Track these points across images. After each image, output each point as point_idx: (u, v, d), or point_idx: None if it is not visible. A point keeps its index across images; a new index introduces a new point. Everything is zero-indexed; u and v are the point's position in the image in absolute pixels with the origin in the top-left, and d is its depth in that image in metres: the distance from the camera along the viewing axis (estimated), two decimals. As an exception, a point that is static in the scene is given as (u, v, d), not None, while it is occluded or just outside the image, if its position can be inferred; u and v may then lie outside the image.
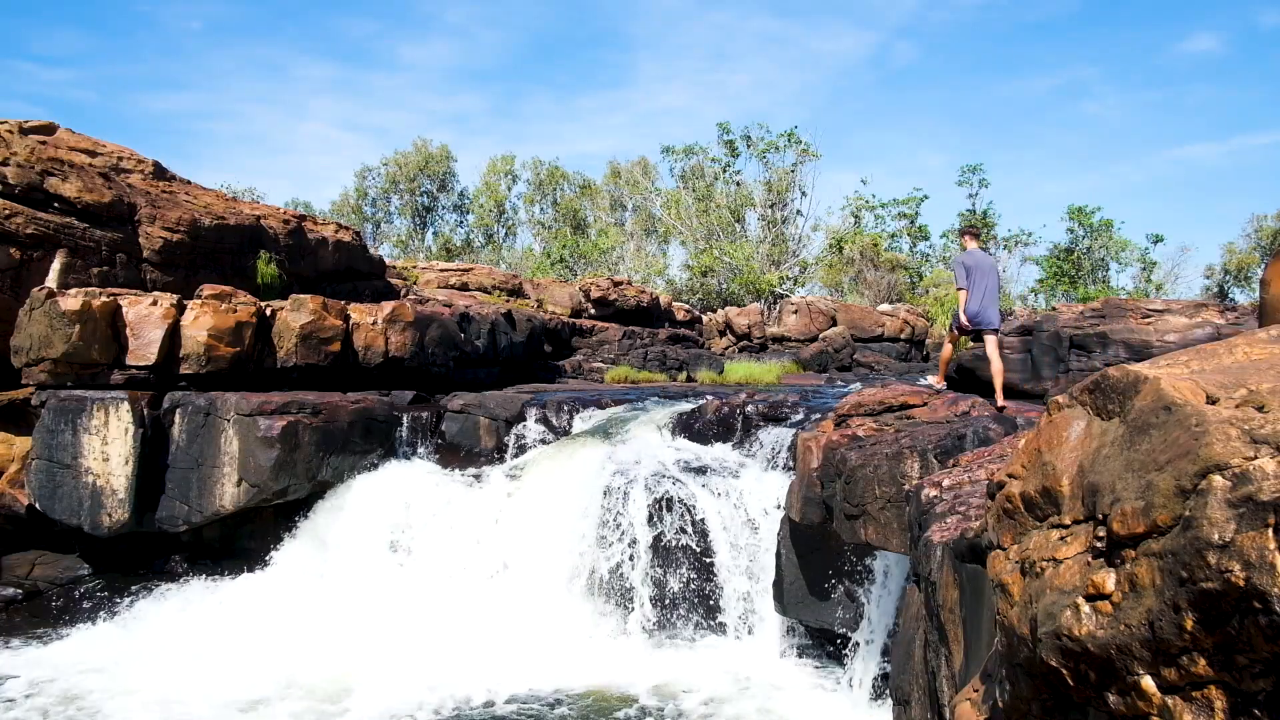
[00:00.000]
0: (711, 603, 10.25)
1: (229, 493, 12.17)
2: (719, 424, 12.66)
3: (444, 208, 50.77)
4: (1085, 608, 2.41)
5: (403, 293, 21.50)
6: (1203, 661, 2.13)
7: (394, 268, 24.39)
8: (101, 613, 11.69)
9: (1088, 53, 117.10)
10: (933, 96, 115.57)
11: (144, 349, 12.52)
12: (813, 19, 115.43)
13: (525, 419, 13.89)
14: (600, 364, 22.08)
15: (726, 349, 28.64)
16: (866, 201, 43.45)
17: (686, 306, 31.00)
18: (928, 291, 34.52)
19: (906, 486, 7.14)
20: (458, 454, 13.65)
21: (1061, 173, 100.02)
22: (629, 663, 9.52)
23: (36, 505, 12.19)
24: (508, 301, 23.43)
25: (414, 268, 25.90)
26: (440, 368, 16.15)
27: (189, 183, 17.74)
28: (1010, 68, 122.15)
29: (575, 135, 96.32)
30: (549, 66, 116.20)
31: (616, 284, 27.21)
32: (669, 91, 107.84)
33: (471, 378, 16.79)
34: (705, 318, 30.90)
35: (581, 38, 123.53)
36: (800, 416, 12.20)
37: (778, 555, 9.50)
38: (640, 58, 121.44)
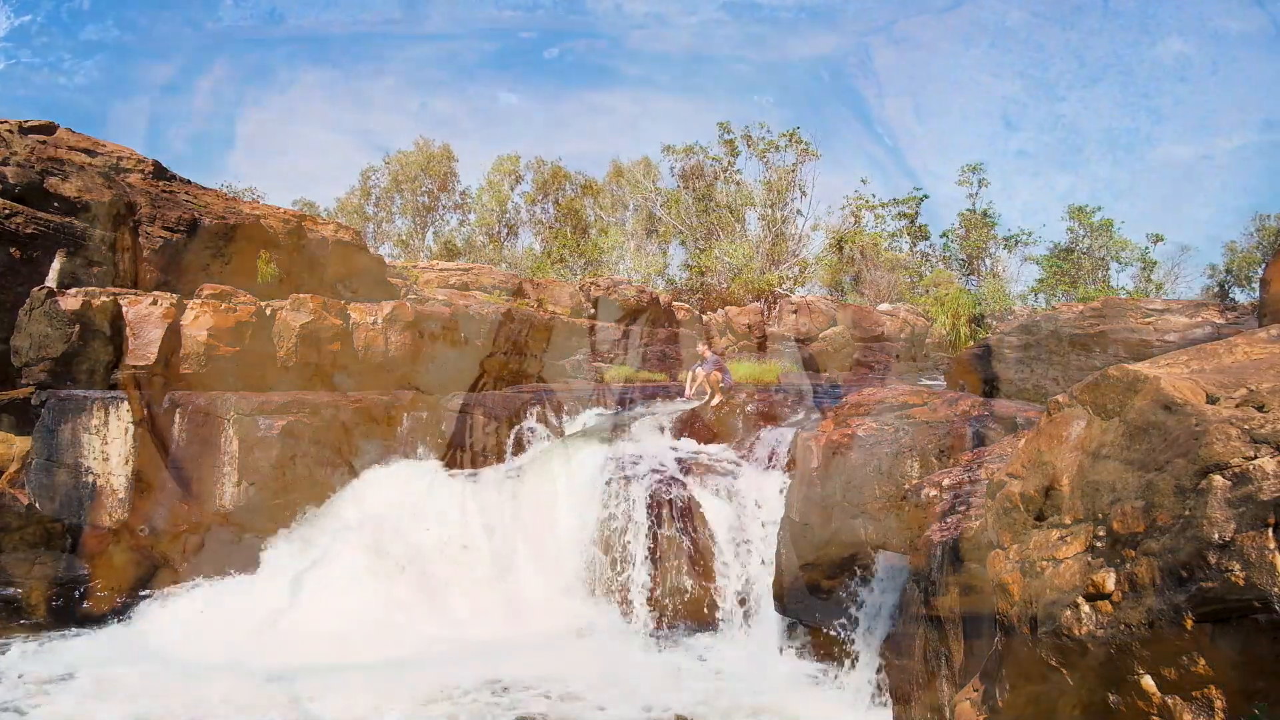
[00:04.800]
0: (711, 602, 10.24)
1: (229, 492, 12.16)
2: (719, 423, 12.65)
3: (445, 207, 50.73)
4: (1085, 607, 2.41)
5: (403, 292, 21.47)
6: (1203, 661, 2.12)
7: (394, 267, 24.36)
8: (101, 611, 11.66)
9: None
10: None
11: (144, 348, 12.52)
12: (789, 23, 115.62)
13: (525, 418, 13.88)
14: (600, 363, 22.08)
15: (726, 349, 28.62)
16: (866, 201, 43.42)
17: (686, 306, 31.00)
18: (928, 291, 34.47)
19: (906, 486, 7.14)
20: (458, 453, 13.65)
21: (1043, 172, 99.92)
22: (629, 662, 9.50)
23: (36, 505, 12.17)
24: (508, 301, 23.41)
25: (414, 267, 25.86)
26: (440, 367, 16.13)
27: (189, 182, 17.72)
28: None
29: (559, 138, 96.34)
30: (532, 69, 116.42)
31: (617, 283, 27.21)
32: (651, 95, 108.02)
33: (471, 377, 16.77)
34: (705, 318, 30.88)
35: (562, 41, 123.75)
36: (800, 416, 12.20)
37: (777, 555, 9.48)
38: (621, 61, 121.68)
